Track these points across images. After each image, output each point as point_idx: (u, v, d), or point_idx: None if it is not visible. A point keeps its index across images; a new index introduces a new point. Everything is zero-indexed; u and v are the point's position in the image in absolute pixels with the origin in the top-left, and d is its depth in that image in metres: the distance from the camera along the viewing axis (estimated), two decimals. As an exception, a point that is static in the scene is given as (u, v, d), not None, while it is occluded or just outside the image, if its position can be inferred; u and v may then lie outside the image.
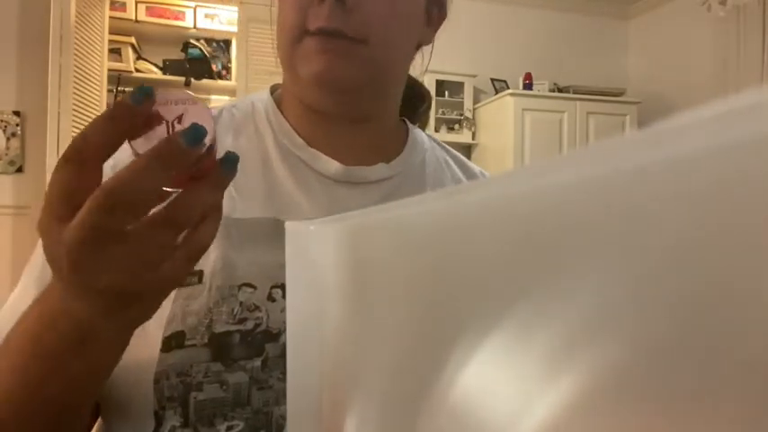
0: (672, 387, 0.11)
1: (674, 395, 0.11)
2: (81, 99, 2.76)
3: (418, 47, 0.56)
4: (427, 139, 0.62)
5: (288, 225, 0.29)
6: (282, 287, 0.47)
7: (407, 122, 0.61)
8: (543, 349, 0.14)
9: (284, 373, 0.45)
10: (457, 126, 3.57)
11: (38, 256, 0.47)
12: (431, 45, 0.58)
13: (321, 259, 0.26)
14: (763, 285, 0.09)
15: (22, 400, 0.36)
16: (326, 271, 0.25)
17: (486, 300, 0.16)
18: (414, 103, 0.63)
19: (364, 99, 0.52)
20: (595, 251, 0.13)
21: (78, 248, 0.28)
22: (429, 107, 0.66)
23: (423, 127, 0.64)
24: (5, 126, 2.76)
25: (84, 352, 0.34)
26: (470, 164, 0.64)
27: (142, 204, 0.28)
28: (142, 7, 3.26)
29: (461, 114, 3.55)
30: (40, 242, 0.47)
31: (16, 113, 2.77)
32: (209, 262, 0.47)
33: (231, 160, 0.31)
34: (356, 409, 0.22)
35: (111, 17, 3.09)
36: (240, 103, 0.57)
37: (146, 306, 0.33)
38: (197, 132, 0.28)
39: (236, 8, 3.22)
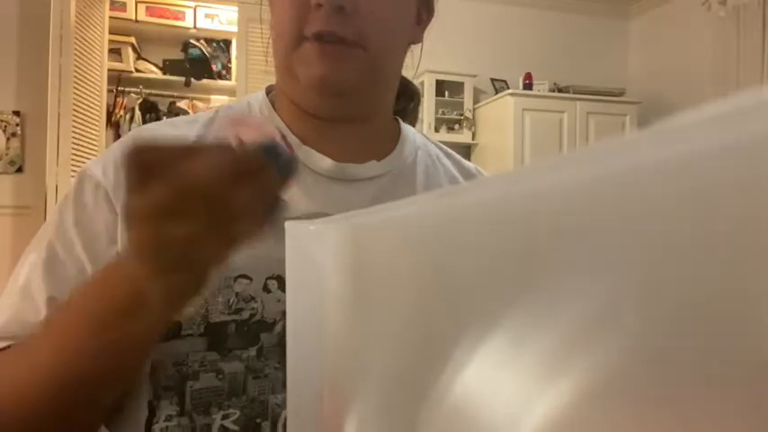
0: (670, 387, 0.11)
1: (673, 395, 0.11)
2: (81, 99, 2.76)
3: (408, 46, 0.58)
4: (420, 136, 0.63)
5: (288, 225, 0.29)
6: (278, 279, 0.48)
7: (399, 121, 0.62)
8: (543, 349, 0.14)
9: (280, 362, 0.47)
10: (457, 126, 3.57)
11: (41, 244, 0.50)
12: (421, 44, 0.59)
13: (321, 259, 0.26)
14: (763, 285, 0.09)
15: (65, 376, 0.38)
16: (326, 270, 0.25)
17: (486, 299, 0.16)
18: (404, 100, 0.64)
19: (361, 101, 0.53)
20: (595, 251, 0.13)
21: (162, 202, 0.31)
22: (418, 104, 0.67)
23: (412, 124, 0.65)
24: (5, 126, 2.76)
25: (135, 319, 0.36)
26: (464, 160, 0.65)
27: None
28: (142, 7, 3.26)
29: (461, 114, 3.55)
30: (43, 229, 0.48)
31: (16, 113, 2.77)
32: None
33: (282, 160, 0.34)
34: (356, 408, 0.22)
35: (111, 17, 3.09)
36: (236, 104, 0.59)
37: (196, 273, 0.34)
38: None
39: (236, 8, 3.22)
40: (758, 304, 0.09)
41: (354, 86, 0.50)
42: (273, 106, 0.56)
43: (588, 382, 0.12)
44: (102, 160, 0.52)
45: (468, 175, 0.62)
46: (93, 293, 0.39)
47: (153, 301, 0.34)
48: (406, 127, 0.61)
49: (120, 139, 0.54)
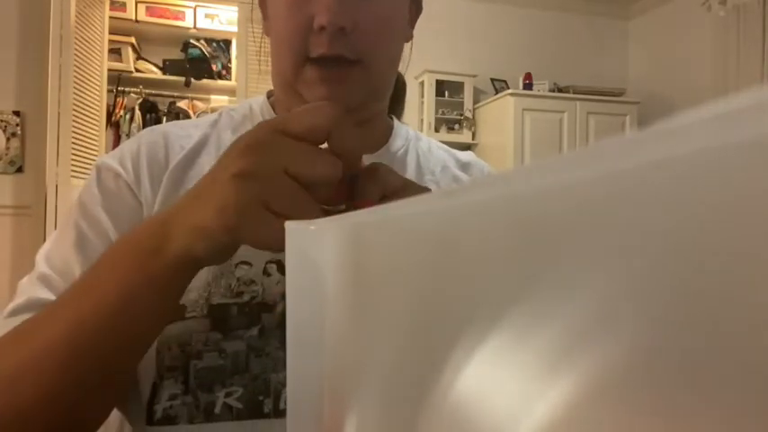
0: (671, 387, 0.11)
1: (674, 395, 0.11)
2: (81, 99, 2.76)
3: (403, 47, 0.59)
4: (412, 131, 0.65)
5: (288, 225, 0.29)
6: (277, 263, 0.50)
7: (393, 118, 0.64)
8: (543, 349, 0.14)
9: (281, 342, 0.49)
10: (457, 126, 3.57)
11: (69, 226, 0.50)
12: (411, 41, 0.61)
13: (321, 259, 0.26)
14: (763, 285, 0.09)
15: (81, 344, 0.38)
16: (326, 270, 0.25)
17: (486, 300, 0.16)
18: (397, 94, 0.65)
19: (364, 111, 0.55)
20: (595, 251, 0.13)
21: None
22: (404, 95, 0.69)
23: (398, 113, 0.67)
24: (5, 126, 2.76)
25: (159, 257, 0.36)
26: (458, 152, 0.66)
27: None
28: (142, 7, 3.26)
29: (461, 114, 3.55)
30: (72, 212, 0.50)
31: (16, 113, 2.77)
32: None
33: None
34: (356, 409, 0.22)
35: (111, 17, 3.09)
36: (239, 107, 0.61)
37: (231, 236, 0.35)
38: None
39: (236, 8, 3.22)
40: (759, 305, 0.09)
41: (356, 102, 0.52)
42: (274, 109, 0.58)
43: (590, 382, 0.12)
44: (117, 154, 0.53)
45: (459, 162, 0.64)
46: (116, 248, 0.39)
47: (178, 234, 0.35)
48: (398, 123, 0.63)
49: (133, 137, 0.55)
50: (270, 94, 0.61)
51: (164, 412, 0.46)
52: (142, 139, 0.54)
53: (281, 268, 0.50)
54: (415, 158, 0.61)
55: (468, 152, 0.67)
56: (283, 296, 0.49)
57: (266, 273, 0.50)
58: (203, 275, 0.48)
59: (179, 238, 0.35)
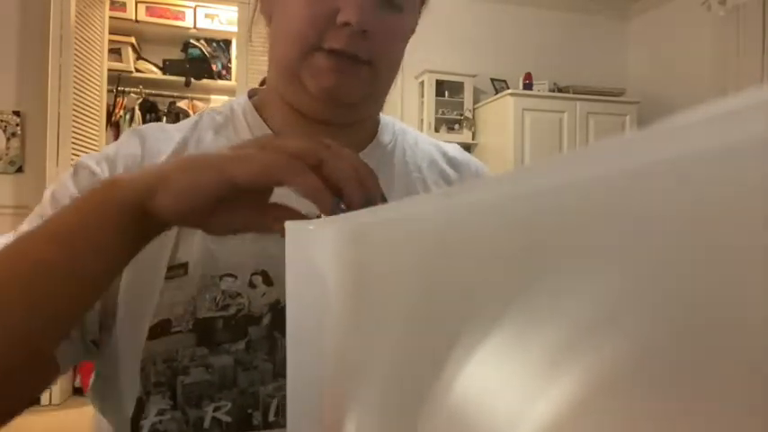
0: (670, 386, 0.11)
1: (673, 394, 0.11)
2: (81, 99, 2.76)
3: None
4: (398, 124, 0.65)
5: (288, 225, 0.29)
6: (262, 273, 0.50)
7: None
8: (543, 349, 0.14)
9: (269, 354, 0.48)
10: (457, 126, 3.57)
11: (36, 215, 0.49)
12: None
13: (321, 259, 0.26)
14: (762, 285, 0.09)
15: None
16: (326, 271, 0.25)
17: (486, 299, 0.16)
18: None
19: (362, 110, 0.56)
20: (595, 251, 0.13)
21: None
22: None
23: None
24: (5, 126, 2.76)
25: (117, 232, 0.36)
26: (444, 144, 0.66)
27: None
28: (142, 7, 3.26)
29: (461, 114, 3.55)
30: (42, 203, 0.49)
31: (16, 113, 2.77)
32: (192, 253, 0.49)
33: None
34: (356, 409, 0.22)
35: (111, 17, 3.09)
36: (221, 108, 0.60)
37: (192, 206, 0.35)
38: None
39: (236, 8, 3.22)
40: (759, 305, 0.09)
41: (359, 99, 0.52)
42: (258, 108, 0.57)
43: (589, 382, 0.12)
44: (96, 155, 0.53)
45: (446, 155, 0.64)
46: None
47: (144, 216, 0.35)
48: (384, 117, 0.63)
49: (115, 141, 0.55)
50: (251, 94, 0.60)
51: (152, 427, 0.46)
52: (121, 143, 0.54)
53: (267, 280, 0.49)
54: (402, 154, 0.60)
55: (455, 146, 0.66)
56: (270, 307, 0.49)
57: (251, 285, 0.49)
58: (188, 290, 0.48)
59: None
